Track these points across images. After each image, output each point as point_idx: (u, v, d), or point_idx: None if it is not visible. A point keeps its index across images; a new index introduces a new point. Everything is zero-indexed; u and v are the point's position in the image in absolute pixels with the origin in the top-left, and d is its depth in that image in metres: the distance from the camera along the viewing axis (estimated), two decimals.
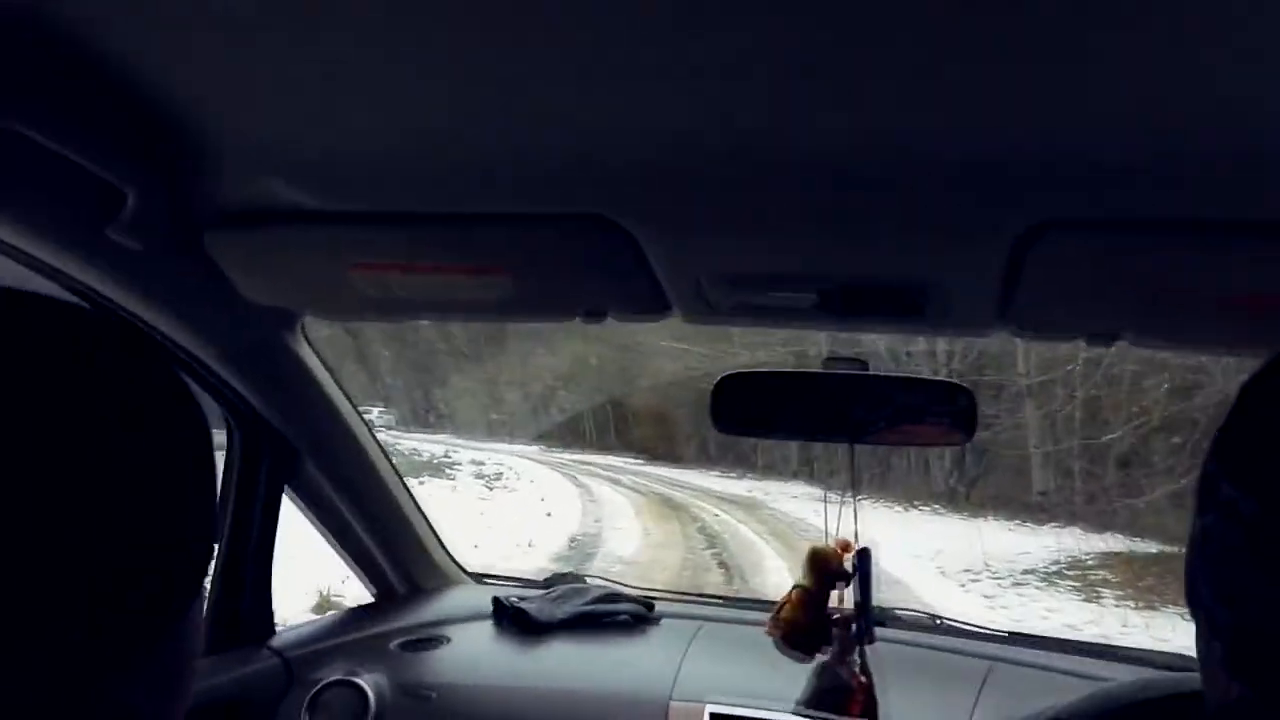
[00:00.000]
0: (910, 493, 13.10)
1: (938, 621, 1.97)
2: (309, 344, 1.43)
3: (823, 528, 1.30)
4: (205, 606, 1.62)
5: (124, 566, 0.47)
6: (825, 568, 1.27)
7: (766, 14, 0.60)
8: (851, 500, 1.32)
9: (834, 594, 1.31)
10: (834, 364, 1.25)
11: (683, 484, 14.59)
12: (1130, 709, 0.69)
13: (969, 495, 12.85)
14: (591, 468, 16.85)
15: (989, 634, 1.85)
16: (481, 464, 16.25)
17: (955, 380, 1.25)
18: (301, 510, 1.78)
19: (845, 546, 1.28)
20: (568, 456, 19.72)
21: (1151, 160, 0.74)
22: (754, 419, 1.29)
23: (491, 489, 14.23)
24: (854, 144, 0.77)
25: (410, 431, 22.61)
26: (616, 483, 14.92)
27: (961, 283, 0.98)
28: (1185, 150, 0.72)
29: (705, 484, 14.58)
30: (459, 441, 21.49)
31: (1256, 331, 0.96)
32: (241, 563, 1.63)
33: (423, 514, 1.99)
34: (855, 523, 1.30)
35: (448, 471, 15.25)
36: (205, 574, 0.55)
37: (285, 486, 1.66)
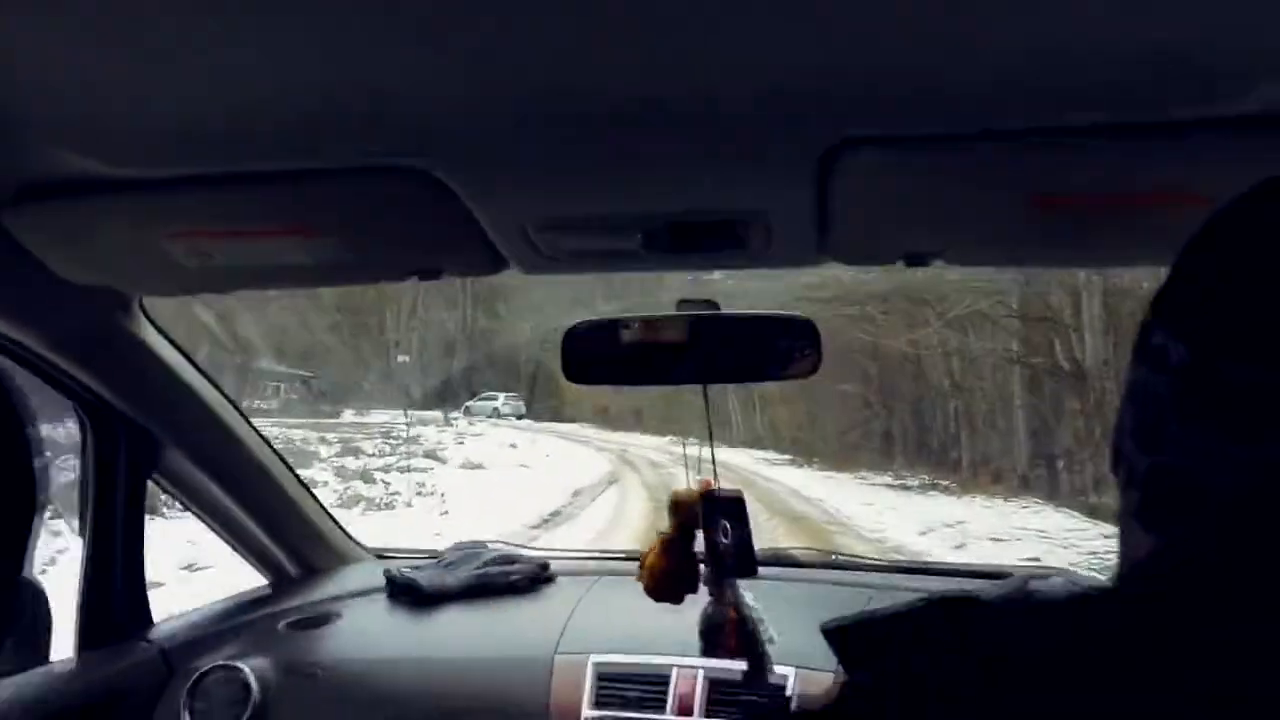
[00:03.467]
0: None
1: (832, 557, 2.03)
2: (152, 325, 1.37)
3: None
4: (76, 604, 1.59)
5: None
6: (685, 512, 1.28)
7: None
8: (710, 448, 1.33)
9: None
10: (684, 306, 1.26)
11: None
12: (941, 602, 0.69)
13: None
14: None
15: (874, 564, 1.91)
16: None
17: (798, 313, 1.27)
18: (176, 499, 1.74)
19: (703, 488, 1.29)
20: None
21: (943, 73, 0.75)
22: (606, 368, 1.29)
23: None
24: (652, 77, 0.77)
25: (541, 422, 22.13)
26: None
27: (778, 210, 0.99)
28: (975, 61, 0.73)
29: None
30: (588, 432, 20.83)
31: (1060, 238, 0.99)
32: (109, 558, 1.58)
33: (311, 494, 1.95)
34: (715, 466, 1.31)
35: None
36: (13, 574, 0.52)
37: (152, 476, 1.62)
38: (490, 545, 2.07)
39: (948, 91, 0.78)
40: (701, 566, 1.31)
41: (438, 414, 20.94)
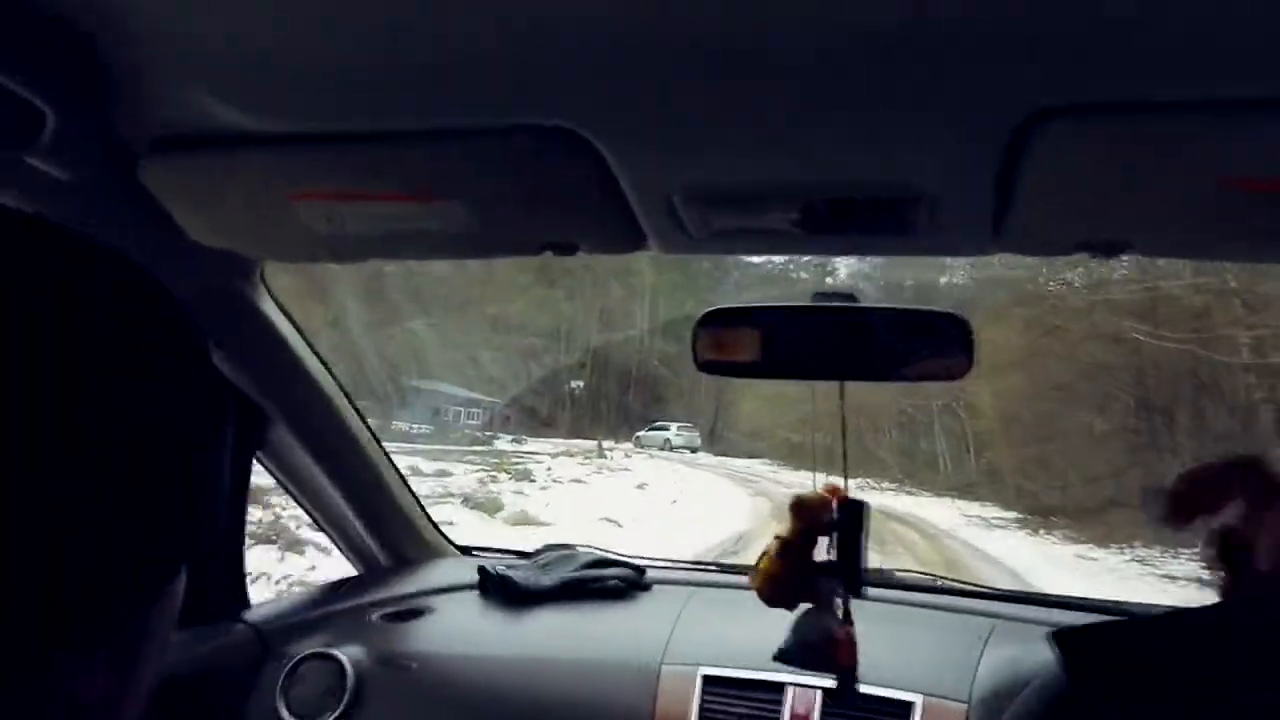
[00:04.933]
0: None
1: (937, 581, 1.92)
2: (271, 295, 1.35)
3: None
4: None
5: (102, 534, 0.39)
6: (807, 516, 1.19)
7: None
8: (843, 447, 1.25)
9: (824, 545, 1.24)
10: (820, 299, 1.19)
11: None
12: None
13: None
14: None
15: (990, 592, 1.80)
16: None
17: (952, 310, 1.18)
18: (276, 479, 1.72)
19: (833, 493, 1.20)
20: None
21: (1168, 23, 0.67)
22: (737, 360, 1.22)
23: None
24: (825, 31, 0.70)
25: (718, 456, 20.08)
26: None
27: (954, 187, 0.91)
28: (1211, 12, 0.65)
29: None
30: (761, 470, 18.39)
31: (1271, 226, 0.89)
32: (210, 534, 1.56)
33: (406, 485, 1.92)
34: (845, 472, 1.23)
35: None
36: (196, 548, 0.49)
37: (256, 454, 1.60)
38: (581, 548, 2.01)
39: (1170, 47, 0.69)
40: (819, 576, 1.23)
41: (593, 444, 19.64)
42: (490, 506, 11.91)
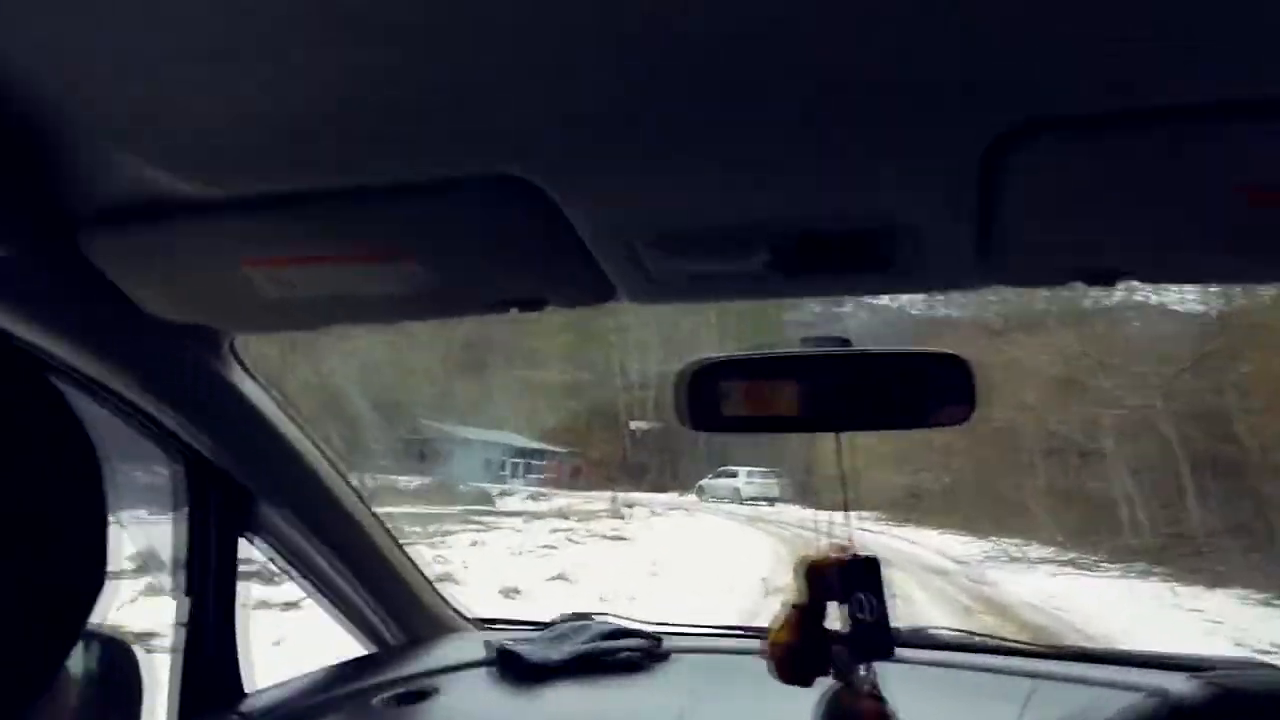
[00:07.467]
0: None
1: (975, 639, 1.80)
2: (243, 367, 1.30)
3: None
4: (169, 671, 1.51)
5: None
6: (818, 580, 1.11)
7: None
8: (844, 496, 1.17)
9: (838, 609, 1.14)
10: (809, 343, 1.11)
11: None
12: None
13: None
14: None
15: (1030, 650, 1.67)
16: None
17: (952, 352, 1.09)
18: (272, 561, 1.66)
19: (842, 552, 1.11)
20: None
21: (1152, 34, 0.60)
22: (725, 414, 1.14)
23: None
24: (777, 57, 0.64)
25: (810, 510, 18.00)
26: None
27: (932, 217, 0.83)
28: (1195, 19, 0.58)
29: None
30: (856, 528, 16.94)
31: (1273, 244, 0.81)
32: (200, 621, 1.50)
33: (409, 558, 1.86)
34: (850, 527, 1.14)
35: None
36: (79, 629, 0.47)
37: (245, 534, 1.54)
38: (598, 618, 1.92)
39: (1165, 53, 0.62)
40: (834, 645, 1.13)
41: (609, 495, 16.32)
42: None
